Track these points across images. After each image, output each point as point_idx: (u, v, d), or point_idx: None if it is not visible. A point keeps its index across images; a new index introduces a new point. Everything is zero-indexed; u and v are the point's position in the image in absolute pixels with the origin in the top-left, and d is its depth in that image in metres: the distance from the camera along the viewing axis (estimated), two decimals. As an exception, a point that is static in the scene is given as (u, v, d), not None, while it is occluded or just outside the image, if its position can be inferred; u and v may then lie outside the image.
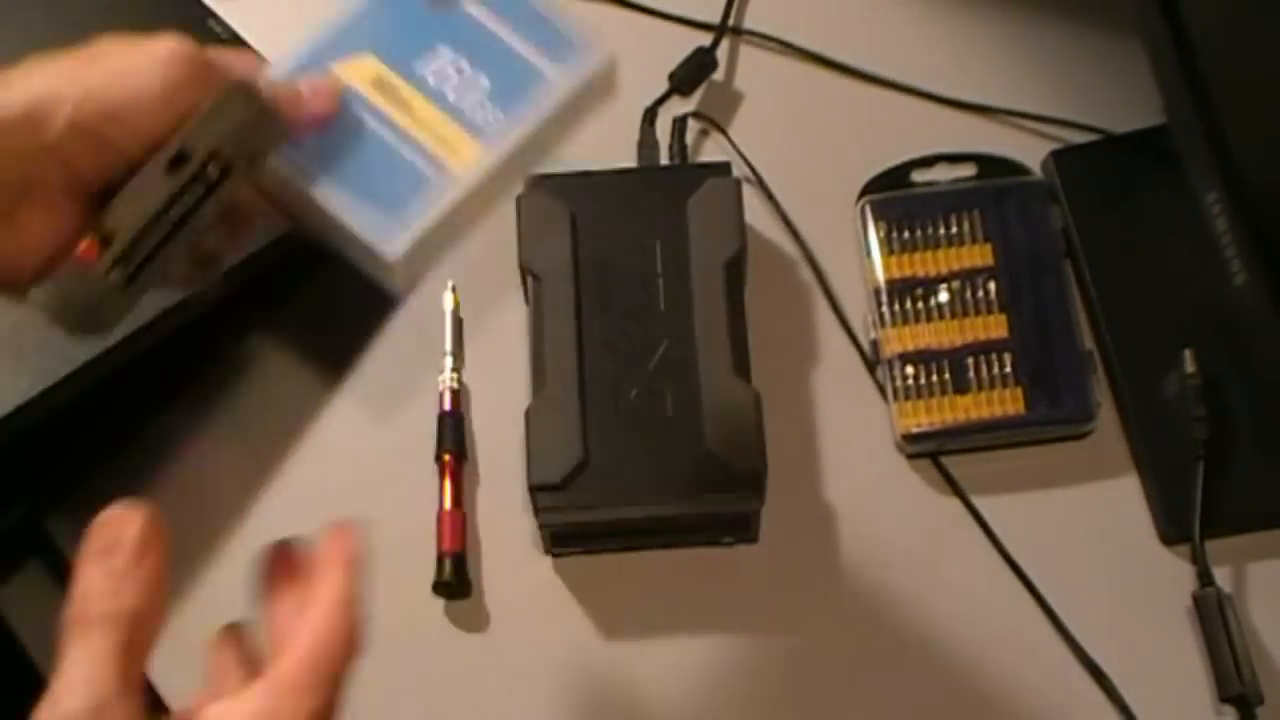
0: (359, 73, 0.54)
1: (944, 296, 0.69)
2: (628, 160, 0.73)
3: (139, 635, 0.42)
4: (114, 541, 0.43)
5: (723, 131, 0.75)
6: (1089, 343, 0.69)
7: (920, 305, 0.69)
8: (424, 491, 0.67)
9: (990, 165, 0.72)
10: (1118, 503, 0.67)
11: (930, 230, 0.70)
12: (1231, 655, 0.62)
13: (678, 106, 0.75)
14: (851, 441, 0.68)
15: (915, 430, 0.67)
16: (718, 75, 0.76)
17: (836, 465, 0.68)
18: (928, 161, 0.72)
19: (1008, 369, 0.68)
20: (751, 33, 0.78)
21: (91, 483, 0.67)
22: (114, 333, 0.64)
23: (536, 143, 0.55)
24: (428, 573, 0.66)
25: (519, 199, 0.68)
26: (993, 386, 0.67)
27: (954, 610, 0.65)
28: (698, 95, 0.76)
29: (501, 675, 0.65)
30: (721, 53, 0.77)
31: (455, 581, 0.65)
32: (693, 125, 0.74)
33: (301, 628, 0.45)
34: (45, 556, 0.68)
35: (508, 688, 0.65)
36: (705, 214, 0.67)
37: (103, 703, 0.41)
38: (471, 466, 0.68)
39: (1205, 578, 0.64)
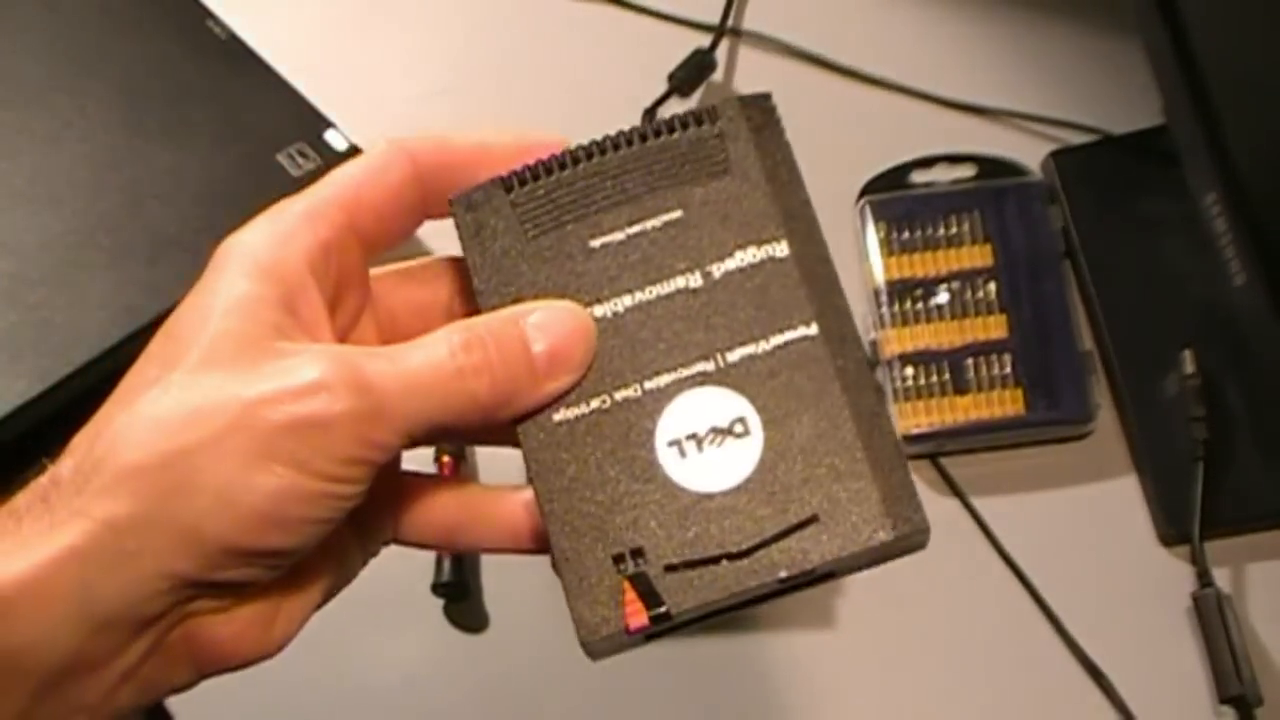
0: None
1: (944, 297, 0.69)
2: (628, 161, 0.73)
3: None
4: None
5: (722, 132, 0.75)
6: (1089, 343, 0.69)
7: (920, 306, 0.69)
8: (424, 492, 0.67)
9: (990, 165, 0.72)
10: (1117, 503, 0.67)
11: (930, 231, 0.70)
12: (1231, 656, 0.62)
13: (677, 107, 0.75)
14: (851, 442, 0.68)
15: (915, 431, 0.67)
16: (717, 75, 0.76)
17: (836, 465, 0.68)
18: (928, 162, 0.72)
19: (1007, 369, 0.68)
20: (751, 33, 0.78)
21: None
22: (113, 333, 0.65)
23: None
24: (428, 573, 0.66)
25: (519, 199, 0.68)
26: (992, 387, 0.67)
27: (954, 610, 0.65)
28: (697, 95, 0.76)
29: (501, 675, 0.65)
30: (721, 53, 0.77)
31: (455, 581, 0.65)
32: (692, 125, 0.74)
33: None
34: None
35: (508, 688, 0.65)
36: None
37: None
38: (470, 467, 0.68)
39: (1205, 578, 0.64)
